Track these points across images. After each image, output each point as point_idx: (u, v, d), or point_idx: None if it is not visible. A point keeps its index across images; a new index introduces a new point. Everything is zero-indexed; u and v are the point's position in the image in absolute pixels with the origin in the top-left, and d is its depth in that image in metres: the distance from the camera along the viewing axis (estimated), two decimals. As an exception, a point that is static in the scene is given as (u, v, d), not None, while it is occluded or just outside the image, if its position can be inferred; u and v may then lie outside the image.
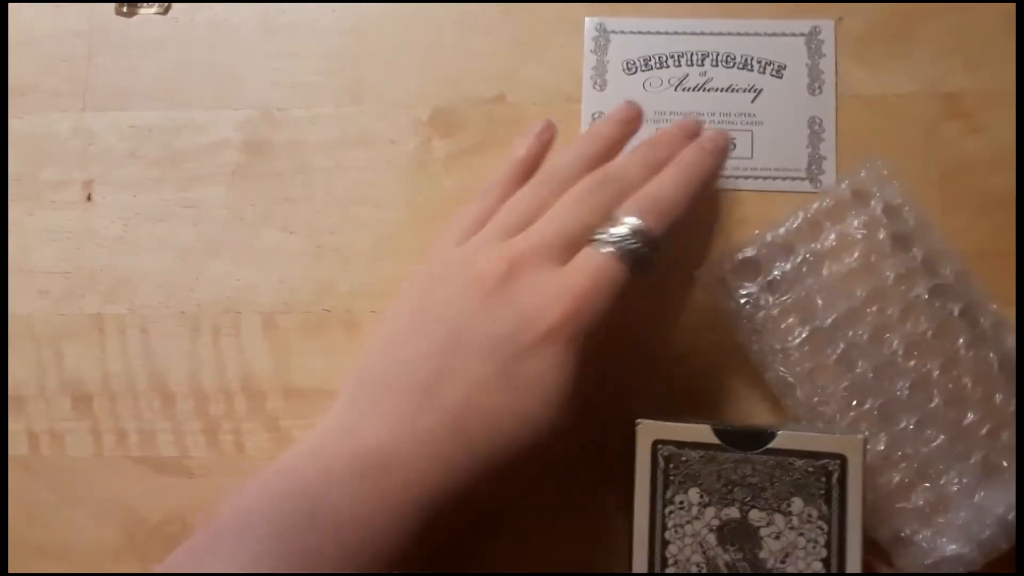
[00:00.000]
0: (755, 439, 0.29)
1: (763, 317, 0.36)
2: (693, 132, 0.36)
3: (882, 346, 0.35)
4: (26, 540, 0.39)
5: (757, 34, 0.40)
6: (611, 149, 0.35)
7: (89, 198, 0.42)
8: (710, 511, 0.29)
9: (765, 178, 0.39)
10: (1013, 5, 0.39)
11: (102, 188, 0.42)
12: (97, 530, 0.39)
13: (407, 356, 0.30)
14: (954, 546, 0.33)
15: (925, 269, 0.36)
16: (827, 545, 0.28)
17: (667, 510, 0.29)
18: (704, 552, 0.29)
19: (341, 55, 0.42)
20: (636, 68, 0.40)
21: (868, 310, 0.36)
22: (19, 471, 0.40)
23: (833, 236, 0.36)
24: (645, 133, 0.40)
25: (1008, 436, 0.35)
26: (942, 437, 0.35)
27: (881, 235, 0.36)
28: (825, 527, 0.28)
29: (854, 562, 0.28)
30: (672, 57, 0.40)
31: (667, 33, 0.40)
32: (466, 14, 0.42)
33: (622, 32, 0.41)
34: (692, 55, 0.40)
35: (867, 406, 0.35)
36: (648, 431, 0.29)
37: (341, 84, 0.42)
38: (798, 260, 0.36)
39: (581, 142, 0.35)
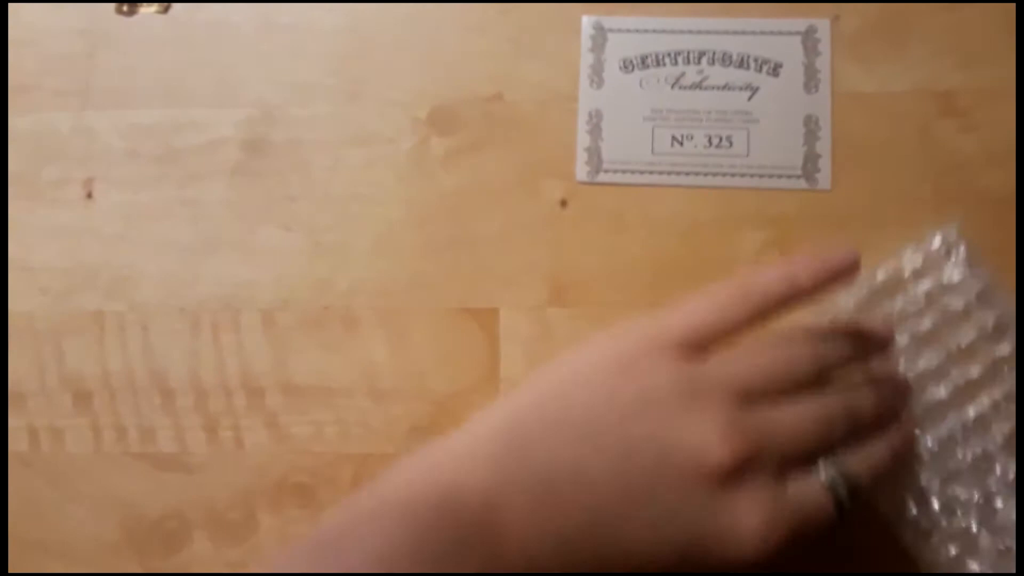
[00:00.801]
0: None
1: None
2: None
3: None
4: (26, 536, 0.39)
5: (753, 32, 0.40)
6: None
7: (89, 196, 0.42)
8: None
9: (761, 176, 0.39)
10: (1012, 5, 0.40)
11: (102, 186, 0.42)
12: (97, 526, 0.39)
13: (586, 467, 0.28)
14: None
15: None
16: None
17: None
18: None
19: (340, 54, 0.42)
20: (633, 66, 0.41)
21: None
22: (19, 467, 0.40)
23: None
24: (646, 133, 0.40)
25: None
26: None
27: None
28: None
29: None
30: (669, 55, 0.41)
31: (664, 31, 0.41)
32: (464, 13, 0.42)
33: (619, 31, 0.41)
34: (689, 53, 0.40)
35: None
36: None
37: (340, 83, 0.42)
38: None
39: (846, 335, 0.32)
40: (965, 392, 0.35)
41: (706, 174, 0.40)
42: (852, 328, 0.33)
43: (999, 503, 0.34)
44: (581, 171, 0.40)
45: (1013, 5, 0.39)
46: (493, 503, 0.27)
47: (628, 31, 0.41)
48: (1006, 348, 0.36)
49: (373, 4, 0.43)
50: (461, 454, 0.29)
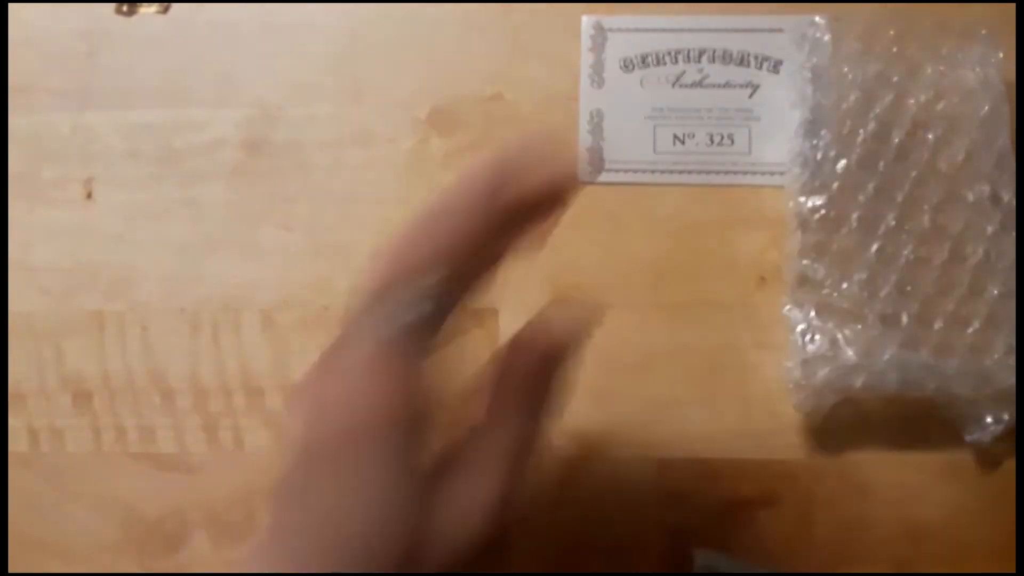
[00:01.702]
0: None
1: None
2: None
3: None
4: (26, 536, 0.39)
5: (753, 30, 0.40)
6: None
7: (89, 196, 0.42)
8: None
9: (763, 173, 0.39)
10: (1012, 5, 0.39)
11: (102, 186, 0.42)
12: (96, 526, 0.39)
13: None
14: None
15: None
16: None
17: None
18: None
19: (340, 54, 0.42)
20: (633, 66, 0.41)
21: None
22: (19, 467, 0.40)
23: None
24: (647, 132, 0.40)
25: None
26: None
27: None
28: None
29: None
30: (669, 54, 0.40)
31: (664, 30, 0.41)
32: (464, 13, 0.42)
33: (619, 30, 0.41)
34: (689, 52, 0.40)
35: None
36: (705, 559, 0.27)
37: (340, 83, 0.42)
38: None
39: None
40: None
41: (708, 172, 0.39)
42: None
43: None
44: (583, 171, 0.40)
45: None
46: None
47: (628, 30, 0.41)
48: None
49: (373, 4, 0.43)
50: None
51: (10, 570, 0.39)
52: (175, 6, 0.43)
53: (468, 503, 0.25)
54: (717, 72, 0.40)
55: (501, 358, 0.28)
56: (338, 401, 0.24)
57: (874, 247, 0.37)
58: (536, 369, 0.27)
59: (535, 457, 0.27)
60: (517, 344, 0.28)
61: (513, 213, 0.25)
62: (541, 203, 0.26)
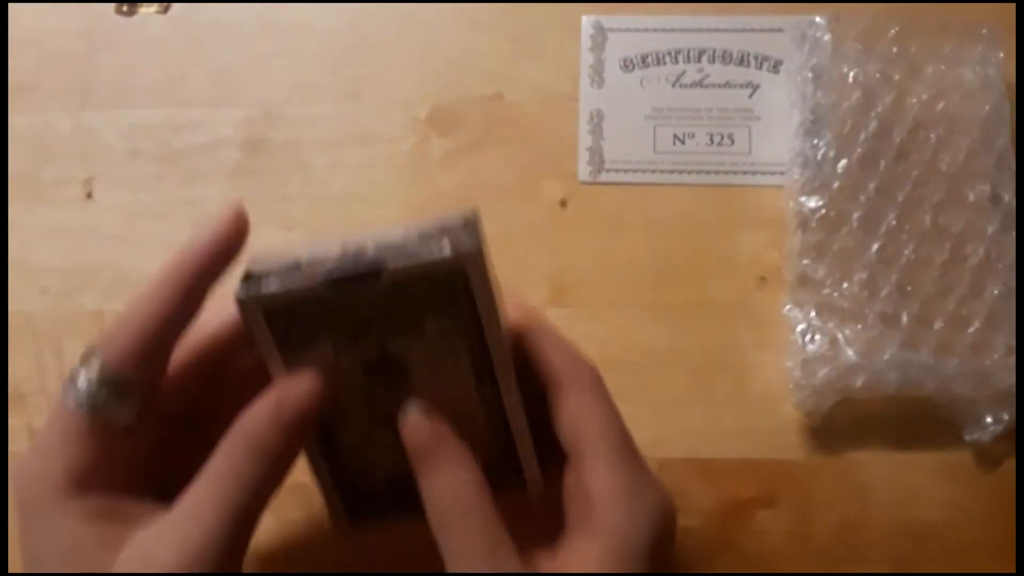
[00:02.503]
0: (365, 280, 0.26)
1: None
2: None
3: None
4: (26, 536, 0.39)
5: (753, 30, 0.40)
6: None
7: (89, 196, 0.42)
8: (347, 356, 0.28)
9: (763, 173, 0.39)
10: (1012, 4, 0.39)
11: (102, 186, 0.42)
12: (97, 526, 0.39)
13: None
14: None
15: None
16: (471, 351, 0.27)
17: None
18: (361, 394, 0.28)
19: (339, 54, 0.42)
20: (633, 66, 0.41)
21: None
22: (19, 467, 0.40)
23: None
24: (647, 132, 0.40)
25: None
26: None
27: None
28: (463, 337, 0.27)
29: (502, 363, 0.28)
30: (669, 54, 0.40)
31: (664, 30, 0.41)
32: (464, 13, 0.42)
33: (619, 30, 0.41)
34: (689, 52, 0.40)
35: None
36: (254, 303, 0.27)
37: (339, 83, 0.42)
38: None
39: None
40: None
41: (708, 172, 0.39)
42: None
43: None
44: (583, 171, 0.40)
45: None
46: None
47: (628, 30, 0.41)
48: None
49: (373, 4, 0.42)
50: None
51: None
52: (175, 6, 0.43)
53: (156, 544, 0.26)
54: (717, 72, 0.40)
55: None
56: (23, 467, 0.28)
57: (874, 247, 0.37)
58: (264, 421, 0.27)
59: (259, 506, 0.27)
60: (262, 397, 0.28)
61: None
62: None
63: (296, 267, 0.27)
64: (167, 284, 0.28)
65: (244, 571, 0.29)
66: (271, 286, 0.27)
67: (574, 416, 0.28)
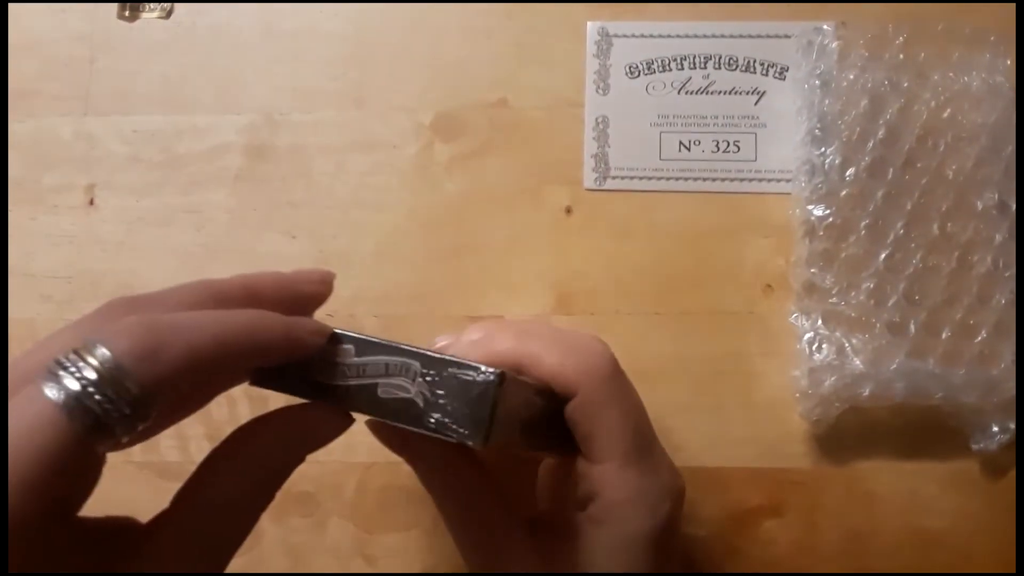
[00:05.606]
0: None
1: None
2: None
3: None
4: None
5: (759, 36, 0.40)
6: None
7: (91, 202, 0.42)
8: None
9: (769, 180, 0.39)
10: (1012, 5, 0.39)
11: (104, 192, 0.42)
12: (99, 535, 0.39)
13: None
14: None
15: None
16: None
17: None
18: None
19: (343, 59, 0.42)
20: (639, 72, 0.40)
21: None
22: (21, 476, 0.40)
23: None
24: (653, 138, 0.40)
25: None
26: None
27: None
28: None
29: None
30: (675, 60, 0.40)
31: (669, 36, 0.40)
32: (468, 18, 0.42)
33: (624, 36, 0.41)
34: (695, 58, 0.40)
35: None
36: None
37: (343, 88, 0.42)
38: None
39: None
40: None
41: (714, 179, 0.39)
42: None
43: None
44: (589, 178, 0.40)
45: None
46: None
47: (633, 36, 0.41)
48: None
49: (377, 8, 0.42)
50: None
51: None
52: (177, 12, 0.43)
53: None
54: (723, 78, 0.40)
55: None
56: None
57: (882, 255, 0.36)
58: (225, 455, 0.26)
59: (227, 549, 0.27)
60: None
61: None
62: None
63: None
64: (250, 329, 0.25)
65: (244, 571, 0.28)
66: None
67: (583, 425, 0.29)
